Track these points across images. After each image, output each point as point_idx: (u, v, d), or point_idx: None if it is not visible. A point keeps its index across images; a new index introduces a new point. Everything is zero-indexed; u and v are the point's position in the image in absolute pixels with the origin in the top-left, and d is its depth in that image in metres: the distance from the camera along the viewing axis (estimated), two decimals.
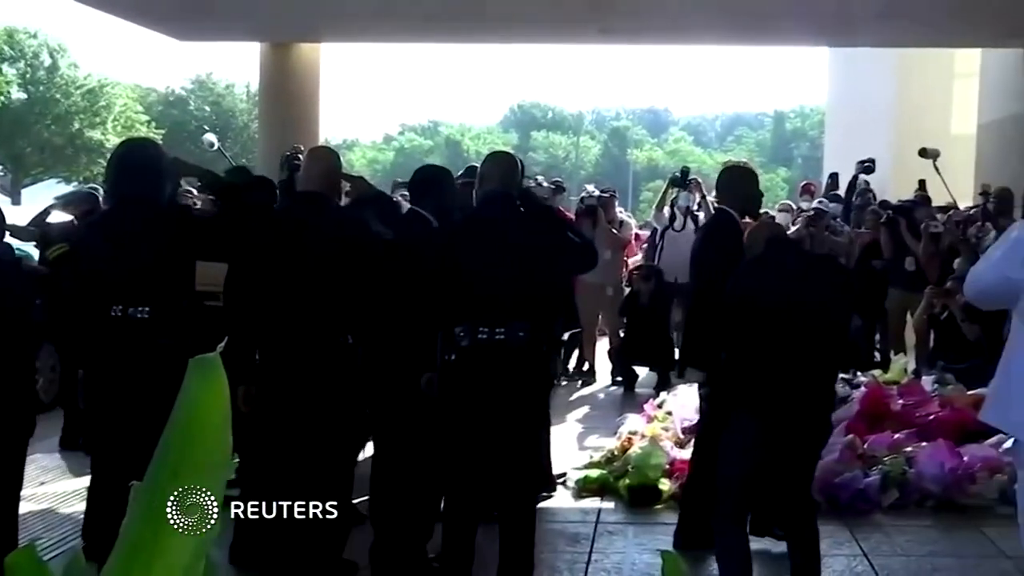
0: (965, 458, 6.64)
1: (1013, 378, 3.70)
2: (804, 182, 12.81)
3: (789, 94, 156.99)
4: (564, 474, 6.93)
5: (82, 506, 5.31)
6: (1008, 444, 5.55)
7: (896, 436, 7.00)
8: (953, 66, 16.40)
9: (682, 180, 10.66)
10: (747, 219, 5.65)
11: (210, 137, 11.22)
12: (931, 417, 7.33)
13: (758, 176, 6.17)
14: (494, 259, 4.68)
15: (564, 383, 10.45)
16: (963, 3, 9.79)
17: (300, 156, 7.38)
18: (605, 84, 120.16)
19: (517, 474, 4.80)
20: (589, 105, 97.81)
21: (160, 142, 9.54)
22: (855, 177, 12.02)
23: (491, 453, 4.76)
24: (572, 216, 10.13)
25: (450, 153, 59.80)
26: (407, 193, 6.02)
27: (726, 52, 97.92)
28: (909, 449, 6.80)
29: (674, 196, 10.62)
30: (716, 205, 6.01)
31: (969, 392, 7.45)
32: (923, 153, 10.49)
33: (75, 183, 33.88)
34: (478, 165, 5.47)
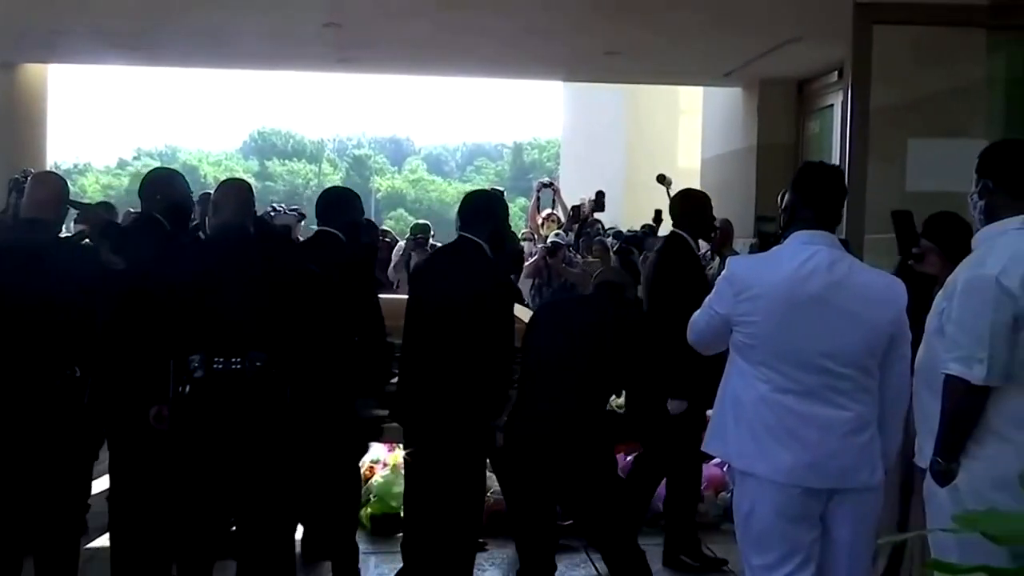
0: None
1: (727, 407, 3.88)
2: (547, 212, 13.14)
3: (527, 126, 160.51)
4: None
5: None
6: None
7: (628, 458, 7.22)
8: (678, 103, 17.15)
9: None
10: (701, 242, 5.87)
11: None
12: None
13: (711, 201, 6.25)
14: (229, 288, 4.58)
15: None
16: (682, 45, 10.26)
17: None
18: (347, 112, 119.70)
19: (257, 507, 4.70)
20: (330, 132, 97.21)
21: None
22: (590, 209, 12.41)
23: (229, 487, 4.66)
24: None
25: (187, 179, 58.02)
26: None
27: (466, 83, 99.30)
28: None
29: None
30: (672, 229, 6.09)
31: None
32: (660, 179, 10.93)
33: None
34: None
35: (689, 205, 6.10)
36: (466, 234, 5.14)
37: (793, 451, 3.69)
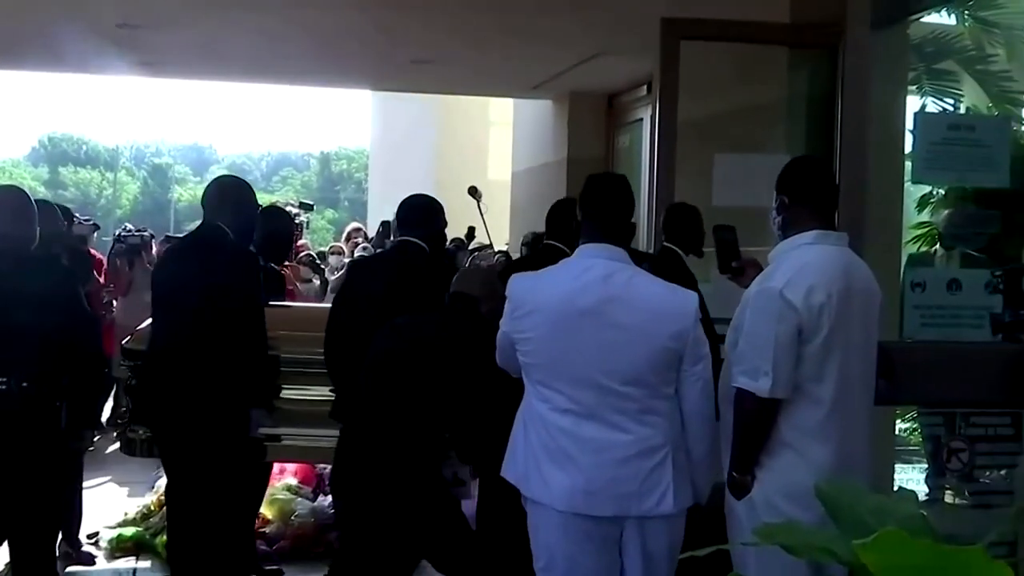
0: None
1: (519, 430, 3.76)
2: (354, 225, 13.03)
3: (335, 135, 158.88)
4: (97, 533, 6.59)
5: None
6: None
7: None
8: (489, 114, 17.18)
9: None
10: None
11: None
12: None
13: (701, 215, 5.99)
14: None
15: (97, 436, 9.84)
16: (490, 55, 10.25)
17: None
18: (145, 118, 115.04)
19: (25, 532, 4.55)
20: (127, 139, 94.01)
21: None
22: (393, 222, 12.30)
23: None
24: (103, 257, 9.57)
25: None
26: None
27: (272, 90, 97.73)
28: None
29: None
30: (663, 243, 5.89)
31: None
32: (471, 192, 10.87)
33: None
34: None
35: (681, 219, 5.94)
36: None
37: (570, 475, 3.56)
